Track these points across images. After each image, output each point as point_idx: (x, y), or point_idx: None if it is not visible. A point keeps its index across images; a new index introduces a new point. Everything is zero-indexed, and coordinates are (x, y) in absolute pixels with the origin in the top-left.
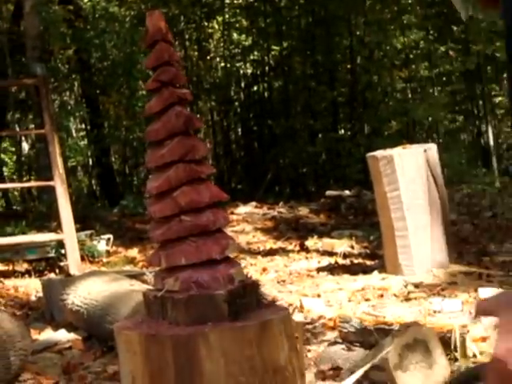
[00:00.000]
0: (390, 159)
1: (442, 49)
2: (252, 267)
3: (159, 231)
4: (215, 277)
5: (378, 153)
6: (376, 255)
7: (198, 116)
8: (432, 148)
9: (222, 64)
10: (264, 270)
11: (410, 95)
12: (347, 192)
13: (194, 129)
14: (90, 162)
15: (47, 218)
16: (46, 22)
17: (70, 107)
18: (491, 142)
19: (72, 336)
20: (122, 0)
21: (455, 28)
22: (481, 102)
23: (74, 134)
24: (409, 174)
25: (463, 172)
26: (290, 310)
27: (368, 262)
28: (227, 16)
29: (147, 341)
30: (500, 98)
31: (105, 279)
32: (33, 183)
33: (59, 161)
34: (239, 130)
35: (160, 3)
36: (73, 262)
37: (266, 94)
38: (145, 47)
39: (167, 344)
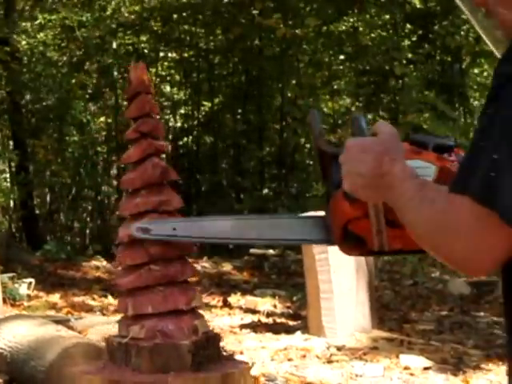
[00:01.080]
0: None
1: (370, 116)
2: None
3: (127, 279)
4: (180, 327)
5: (307, 214)
6: (299, 316)
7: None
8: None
9: None
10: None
11: None
12: (271, 251)
13: (169, 180)
14: (12, 204)
15: None
16: None
17: (2, 149)
18: None
19: None
20: (60, 45)
21: (386, 97)
22: None
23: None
24: None
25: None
26: (249, 364)
27: (291, 322)
28: (160, 68)
29: None
30: None
31: (31, 323)
32: None
33: None
34: None
35: (98, 51)
36: None
37: (194, 148)
38: (127, 97)
39: None
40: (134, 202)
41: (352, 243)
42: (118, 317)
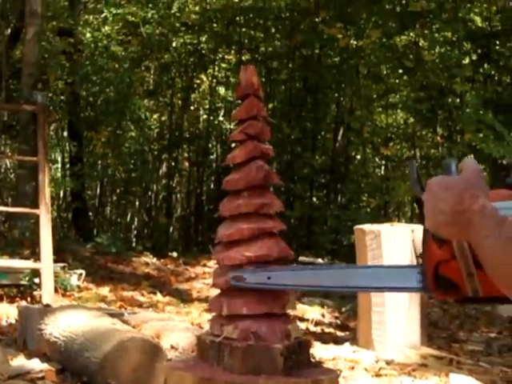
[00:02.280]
0: (378, 234)
1: (424, 133)
2: None
3: (224, 279)
4: (274, 330)
5: (366, 226)
6: (347, 327)
7: (174, 164)
8: (419, 229)
9: (205, 116)
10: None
11: (389, 173)
12: (320, 260)
13: (272, 184)
14: (61, 195)
15: (19, 245)
16: (46, 51)
17: (57, 139)
18: None
19: (45, 366)
20: (122, 40)
21: (442, 114)
22: None
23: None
24: (394, 251)
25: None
26: (338, 373)
27: (339, 333)
28: (217, 69)
29: (201, 383)
30: None
31: (86, 314)
32: (16, 209)
33: (47, 190)
34: (212, 183)
35: (160, 48)
36: (47, 292)
37: None
38: (236, 98)
39: None
40: (236, 202)
41: (445, 288)
42: (167, 314)
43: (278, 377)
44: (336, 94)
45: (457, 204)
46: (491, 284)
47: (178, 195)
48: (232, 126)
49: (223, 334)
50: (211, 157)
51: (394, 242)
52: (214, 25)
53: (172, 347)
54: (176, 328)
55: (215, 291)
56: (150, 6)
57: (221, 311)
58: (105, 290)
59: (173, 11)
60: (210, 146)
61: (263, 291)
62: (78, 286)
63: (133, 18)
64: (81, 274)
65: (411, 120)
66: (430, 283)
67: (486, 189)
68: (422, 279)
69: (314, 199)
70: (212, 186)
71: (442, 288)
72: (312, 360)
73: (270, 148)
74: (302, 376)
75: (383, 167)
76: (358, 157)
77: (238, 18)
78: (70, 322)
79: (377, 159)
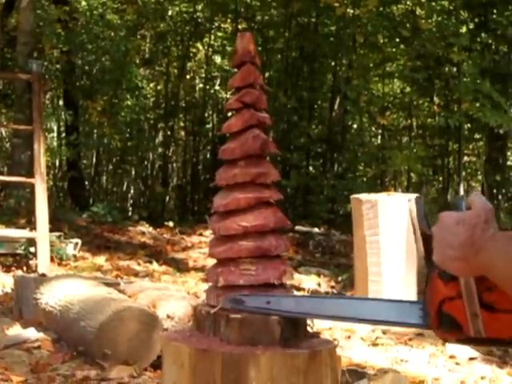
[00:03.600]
0: (374, 204)
1: (420, 102)
2: None
3: (220, 248)
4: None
5: (363, 196)
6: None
7: (170, 133)
8: (415, 198)
9: (201, 85)
10: None
11: (386, 143)
12: (316, 229)
13: (269, 153)
14: (57, 164)
15: (15, 215)
16: (41, 19)
17: (52, 108)
18: None
19: (41, 336)
20: (118, 9)
21: (439, 83)
22: (451, 159)
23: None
24: (390, 221)
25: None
26: (336, 343)
27: None
28: (213, 38)
29: (197, 355)
30: (473, 158)
31: (82, 283)
32: (12, 178)
33: (42, 159)
34: (208, 152)
35: (157, 16)
36: (43, 261)
37: None
38: (232, 66)
39: (217, 360)
40: (232, 172)
41: (448, 327)
42: (163, 284)
43: (276, 347)
44: (332, 63)
45: (467, 238)
46: (494, 326)
47: (174, 164)
48: (228, 95)
49: (219, 305)
50: (207, 126)
51: (391, 212)
52: None
53: (168, 317)
54: (172, 297)
55: (211, 261)
56: None
57: (217, 282)
58: (101, 260)
59: None
60: (206, 115)
61: (260, 263)
62: (74, 256)
63: None
64: (77, 244)
65: (408, 89)
66: (432, 321)
67: (496, 225)
68: (424, 315)
69: (311, 168)
70: (208, 155)
71: (445, 327)
72: (309, 330)
73: (266, 117)
74: (300, 347)
75: (380, 136)
76: (355, 126)
77: None
78: (65, 292)
79: (373, 128)
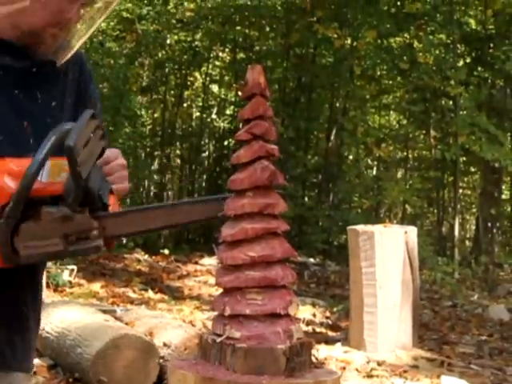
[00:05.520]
0: (371, 235)
1: (417, 134)
2: None
3: (227, 278)
4: (276, 331)
5: (359, 227)
6: (338, 327)
7: (166, 161)
8: (412, 230)
9: (198, 114)
10: None
11: (381, 174)
12: (311, 260)
13: (277, 185)
14: None
15: None
16: None
17: None
18: (456, 232)
19: (37, 362)
20: (118, 36)
21: (436, 116)
22: (446, 191)
23: None
24: (387, 252)
25: (424, 257)
26: (340, 374)
27: (330, 333)
28: (210, 67)
29: (203, 383)
30: (468, 192)
31: (79, 310)
32: None
33: None
34: (204, 181)
35: (156, 45)
36: None
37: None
38: (242, 98)
39: None
40: (240, 202)
41: None
42: (159, 312)
43: (281, 377)
44: (328, 95)
45: None
46: None
47: (170, 192)
48: (225, 124)
49: (225, 334)
50: (203, 154)
51: (387, 243)
52: (210, 23)
53: (165, 345)
54: (169, 325)
55: (206, 289)
56: (146, 2)
57: (223, 311)
58: (96, 286)
59: (169, 7)
60: (202, 143)
61: (267, 293)
62: (70, 282)
63: (128, 15)
64: (72, 270)
65: (404, 121)
66: None
67: None
68: None
69: (306, 199)
70: (203, 183)
71: None
72: (314, 361)
73: (275, 148)
74: (305, 377)
75: (375, 168)
76: (351, 157)
77: (233, 16)
78: (62, 318)
79: (369, 160)
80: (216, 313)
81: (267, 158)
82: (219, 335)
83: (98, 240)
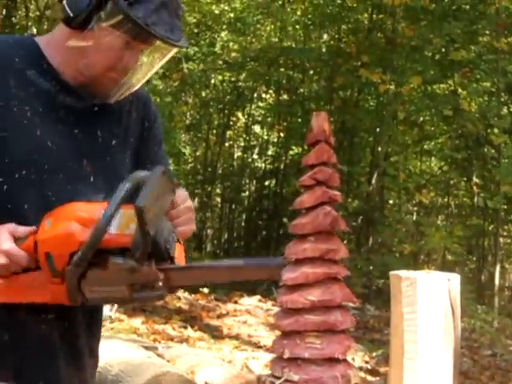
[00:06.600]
0: (413, 281)
1: (455, 180)
2: (254, 360)
3: (286, 321)
4: (334, 375)
5: (402, 273)
6: (377, 372)
7: (206, 199)
8: (455, 278)
9: (239, 153)
10: (267, 366)
11: (422, 219)
12: (351, 304)
13: (339, 230)
14: None
15: None
16: None
17: None
18: (496, 281)
19: None
20: (164, 74)
21: (479, 164)
22: (486, 239)
23: None
24: (429, 299)
25: (464, 305)
26: None
27: (369, 377)
28: (253, 107)
29: None
30: (508, 240)
31: (121, 345)
32: None
33: None
34: (243, 220)
35: (201, 84)
36: None
37: (278, 190)
38: (307, 145)
39: None
40: (302, 246)
41: None
42: (198, 349)
43: None
44: (370, 138)
45: None
46: None
47: (209, 230)
48: (266, 164)
49: (284, 377)
50: (243, 194)
51: (430, 290)
52: (254, 63)
53: (206, 383)
54: (210, 364)
55: (245, 329)
56: (193, 42)
57: (283, 353)
58: (137, 322)
59: (216, 49)
60: (242, 182)
61: (326, 337)
62: (110, 317)
63: (175, 54)
64: (113, 305)
65: (446, 167)
66: None
67: None
68: None
69: (345, 242)
70: (243, 223)
71: None
72: None
73: (338, 194)
74: None
75: (415, 213)
76: (391, 201)
77: (278, 58)
78: (104, 353)
79: (409, 205)
80: (274, 355)
81: (330, 203)
82: (278, 377)
83: (162, 289)
